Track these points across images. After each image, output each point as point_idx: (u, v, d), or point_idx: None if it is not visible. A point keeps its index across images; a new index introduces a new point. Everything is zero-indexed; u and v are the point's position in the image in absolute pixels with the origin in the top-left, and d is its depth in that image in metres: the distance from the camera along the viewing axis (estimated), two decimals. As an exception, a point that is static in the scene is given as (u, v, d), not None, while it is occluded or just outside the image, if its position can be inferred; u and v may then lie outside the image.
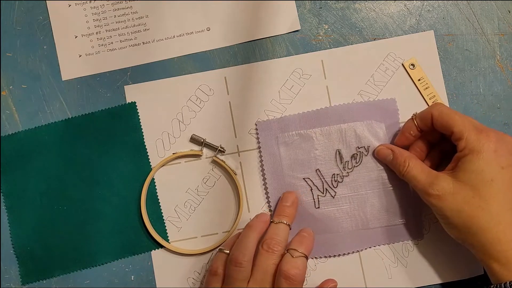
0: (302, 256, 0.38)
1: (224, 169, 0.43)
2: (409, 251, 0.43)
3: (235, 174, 0.43)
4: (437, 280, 0.43)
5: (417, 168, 0.39)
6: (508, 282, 0.35)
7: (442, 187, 0.37)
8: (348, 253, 0.43)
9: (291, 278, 0.37)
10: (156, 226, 0.44)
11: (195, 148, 0.44)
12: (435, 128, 0.39)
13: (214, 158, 0.43)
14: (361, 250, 0.43)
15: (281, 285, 0.37)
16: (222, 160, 0.43)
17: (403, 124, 0.43)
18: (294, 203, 0.42)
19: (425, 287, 0.43)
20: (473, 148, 0.36)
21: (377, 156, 0.42)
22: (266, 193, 0.44)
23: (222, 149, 0.43)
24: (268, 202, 0.44)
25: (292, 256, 0.38)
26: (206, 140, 0.43)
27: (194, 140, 0.43)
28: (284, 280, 0.37)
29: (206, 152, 0.44)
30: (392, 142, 0.43)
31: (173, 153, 0.43)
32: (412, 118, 0.41)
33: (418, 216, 0.43)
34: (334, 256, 0.43)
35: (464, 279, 0.43)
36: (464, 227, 0.36)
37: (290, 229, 0.41)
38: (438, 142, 0.42)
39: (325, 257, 0.43)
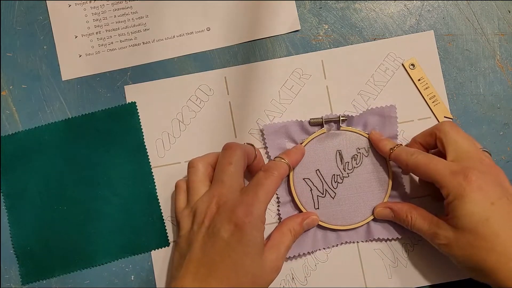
0: (283, 161, 0.40)
1: (356, 133, 0.43)
2: (409, 251, 0.43)
3: (367, 134, 0.43)
4: (437, 280, 0.43)
5: (419, 219, 0.39)
6: None
7: (445, 236, 0.36)
8: (347, 242, 0.43)
9: (267, 169, 0.39)
10: (156, 226, 0.44)
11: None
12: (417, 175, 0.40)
13: (342, 128, 0.43)
14: (359, 241, 0.43)
15: (259, 175, 0.39)
16: (350, 128, 0.43)
17: (400, 131, 0.44)
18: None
19: (425, 287, 0.43)
20: (456, 194, 0.35)
21: (378, 217, 0.42)
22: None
23: (344, 117, 0.43)
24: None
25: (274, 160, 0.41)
26: (324, 117, 0.43)
27: (313, 123, 0.43)
28: (263, 171, 0.39)
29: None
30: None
31: (301, 143, 0.43)
32: (389, 148, 0.41)
33: None
34: (333, 246, 0.43)
35: (463, 279, 0.43)
36: (477, 270, 0.35)
37: (290, 168, 0.41)
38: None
39: (324, 249, 0.43)
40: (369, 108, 0.44)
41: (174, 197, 0.42)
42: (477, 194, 0.35)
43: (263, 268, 0.36)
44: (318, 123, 0.43)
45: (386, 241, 0.43)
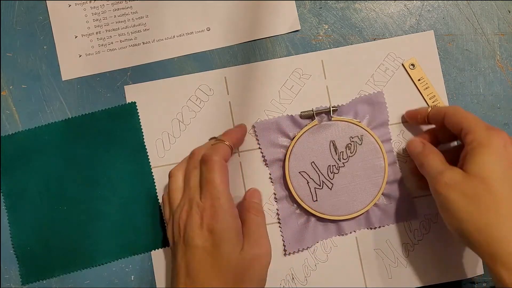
0: (221, 143, 0.40)
1: (347, 122, 0.43)
2: (409, 251, 0.43)
3: (359, 121, 0.43)
4: (437, 280, 0.43)
5: (436, 158, 0.38)
6: None
7: (452, 176, 0.35)
8: (346, 233, 0.43)
9: (205, 160, 0.38)
10: (156, 226, 0.44)
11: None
12: (446, 125, 0.39)
13: (333, 119, 0.43)
14: (359, 229, 0.43)
15: (202, 170, 0.38)
16: (341, 117, 0.43)
17: (400, 131, 0.44)
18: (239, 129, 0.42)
19: (425, 287, 0.43)
20: (482, 141, 0.35)
21: (408, 145, 0.42)
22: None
23: (334, 108, 0.43)
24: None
25: (211, 144, 0.40)
26: (314, 109, 0.43)
27: (304, 116, 0.43)
28: (202, 165, 0.38)
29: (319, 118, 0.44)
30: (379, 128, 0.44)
31: (293, 137, 0.43)
32: (427, 107, 0.42)
33: (410, 199, 0.43)
34: (336, 235, 0.43)
35: (464, 279, 0.43)
36: (470, 222, 0.34)
37: (232, 149, 0.41)
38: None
39: (325, 240, 0.43)
40: (357, 96, 0.44)
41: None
42: (502, 150, 0.35)
43: (245, 260, 0.37)
44: (309, 116, 0.44)
45: (385, 226, 0.43)
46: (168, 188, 0.41)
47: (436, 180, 0.36)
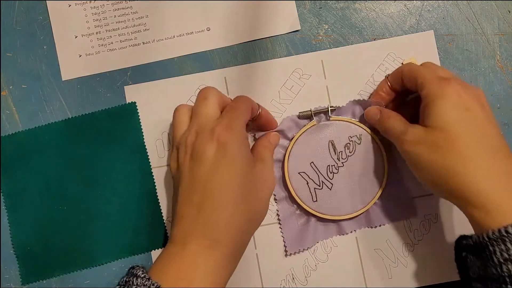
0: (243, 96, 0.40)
1: (346, 122, 0.43)
2: (409, 251, 0.43)
3: (358, 121, 0.43)
4: (437, 280, 0.43)
5: (396, 120, 0.39)
6: (490, 231, 0.32)
7: (414, 133, 0.37)
8: (347, 233, 0.43)
9: (235, 98, 0.39)
10: (156, 226, 0.44)
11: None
12: (406, 86, 0.40)
13: (331, 118, 0.43)
14: (360, 228, 0.43)
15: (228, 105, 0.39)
16: (340, 117, 0.43)
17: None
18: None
19: (425, 287, 0.43)
20: (435, 94, 0.36)
21: (366, 115, 0.42)
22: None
23: (333, 107, 0.43)
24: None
25: None
26: (313, 110, 0.44)
27: (303, 116, 0.44)
28: (231, 101, 0.39)
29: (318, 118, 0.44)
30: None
31: (292, 138, 0.43)
32: (385, 78, 0.43)
33: (410, 198, 0.43)
34: (337, 235, 0.43)
35: (464, 279, 0.43)
36: (437, 172, 0.35)
37: (257, 110, 0.41)
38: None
39: (326, 240, 0.43)
40: (357, 96, 0.44)
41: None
42: (455, 97, 0.36)
43: (255, 180, 0.37)
44: (308, 116, 0.44)
45: (385, 225, 0.43)
46: (173, 123, 0.40)
47: (400, 140, 0.38)
